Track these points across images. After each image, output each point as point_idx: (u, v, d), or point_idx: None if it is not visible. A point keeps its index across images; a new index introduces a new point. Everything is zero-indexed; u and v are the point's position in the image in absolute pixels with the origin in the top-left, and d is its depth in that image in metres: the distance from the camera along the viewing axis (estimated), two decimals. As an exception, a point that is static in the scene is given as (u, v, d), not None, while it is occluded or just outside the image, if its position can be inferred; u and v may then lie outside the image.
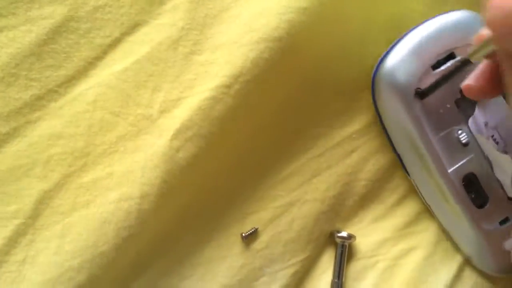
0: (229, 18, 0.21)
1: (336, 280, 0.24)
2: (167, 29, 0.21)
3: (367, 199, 0.25)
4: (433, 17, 0.22)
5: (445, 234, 0.25)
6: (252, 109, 0.22)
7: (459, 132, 0.22)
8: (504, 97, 0.20)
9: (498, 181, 0.23)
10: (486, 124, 0.22)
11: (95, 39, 0.20)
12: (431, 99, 0.22)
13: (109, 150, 0.20)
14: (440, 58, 0.22)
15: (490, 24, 0.14)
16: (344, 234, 0.24)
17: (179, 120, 0.20)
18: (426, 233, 0.25)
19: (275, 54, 0.20)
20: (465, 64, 0.20)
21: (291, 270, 0.23)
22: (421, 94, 0.22)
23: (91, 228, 0.19)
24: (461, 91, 0.22)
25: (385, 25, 0.23)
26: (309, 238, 0.24)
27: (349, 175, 0.24)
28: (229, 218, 0.23)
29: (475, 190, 0.23)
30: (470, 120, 0.22)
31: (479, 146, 0.22)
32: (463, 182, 0.22)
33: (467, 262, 0.25)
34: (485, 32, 0.15)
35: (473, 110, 0.22)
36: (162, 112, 0.21)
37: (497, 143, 0.21)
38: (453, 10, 0.23)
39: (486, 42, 0.15)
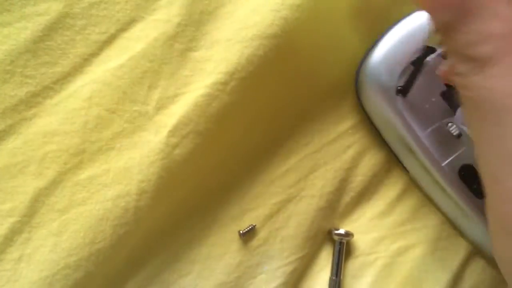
0: (224, 14, 0.22)
1: (334, 278, 0.24)
2: (162, 25, 0.21)
3: (365, 195, 0.25)
4: (410, 14, 0.23)
5: (450, 224, 0.25)
6: (248, 106, 0.22)
7: (449, 124, 0.22)
8: None
9: None
10: None
11: (90, 35, 0.21)
12: (415, 95, 0.22)
13: (105, 147, 0.21)
14: (419, 54, 0.22)
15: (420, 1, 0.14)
16: (341, 231, 0.24)
17: (175, 116, 0.21)
18: (426, 230, 0.25)
19: (269, 51, 0.21)
20: (432, 52, 0.21)
21: (289, 268, 0.24)
22: (402, 91, 0.22)
23: (88, 225, 0.20)
24: (446, 83, 0.22)
25: (377, 19, 0.24)
26: (307, 235, 0.24)
27: (346, 170, 0.25)
28: (226, 215, 0.23)
29: (477, 181, 0.23)
30: (458, 111, 0.23)
31: None
32: (462, 173, 0.23)
33: (468, 259, 0.25)
34: None
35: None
36: (159, 108, 0.21)
37: None
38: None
39: None
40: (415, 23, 0.23)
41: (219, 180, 0.23)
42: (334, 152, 0.24)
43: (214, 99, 0.21)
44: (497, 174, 0.15)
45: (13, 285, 0.19)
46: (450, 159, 0.22)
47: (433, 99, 0.22)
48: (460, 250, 0.25)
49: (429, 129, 0.22)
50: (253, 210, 0.24)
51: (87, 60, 0.21)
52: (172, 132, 0.21)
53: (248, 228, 0.23)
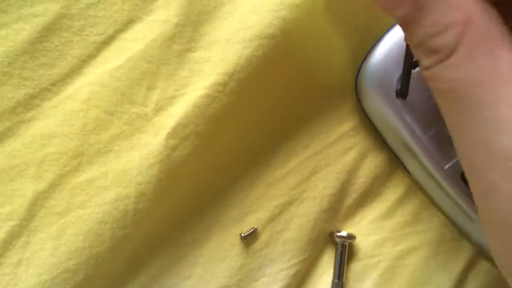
0: (223, 15, 0.22)
1: (336, 281, 0.24)
2: (160, 26, 0.21)
3: (367, 197, 0.25)
4: None
5: (453, 226, 0.25)
6: (248, 107, 0.23)
7: None
8: None
9: None
10: None
11: (88, 36, 0.21)
12: (416, 97, 0.22)
13: (104, 150, 0.21)
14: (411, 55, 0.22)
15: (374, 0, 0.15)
16: (343, 233, 0.24)
17: (174, 118, 0.21)
18: (428, 232, 0.25)
19: (268, 51, 0.21)
20: None
21: (292, 271, 0.24)
22: (400, 94, 0.22)
23: (87, 229, 0.20)
24: None
25: (377, 20, 0.24)
26: (309, 238, 0.24)
27: (347, 172, 0.25)
28: (227, 217, 0.24)
29: None
30: None
31: None
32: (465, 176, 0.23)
33: (472, 261, 0.25)
34: None
35: None
36: (157, 110, 0.21)
37: None
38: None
39: None
40: None
41: (219, 182, 0.24)
42: (335, 154, 0.25)
43: (213, 100, 0.21)
44: (475, 166, 0.15)
45: (12, 290, 0.19)
46: (452, 162, 0.22)
47: (434, 101, 0.22)
48: (463, 253, 0.25)
49: (431, 132, 0.22)
50: (254, 213, 0.24)
51: (85, 61, 0.21)
52: (171, 134, 0.21)
53: (250, 231, 0.23)
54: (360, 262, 0.25)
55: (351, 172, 0.25)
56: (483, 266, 0.25)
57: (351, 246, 0.25)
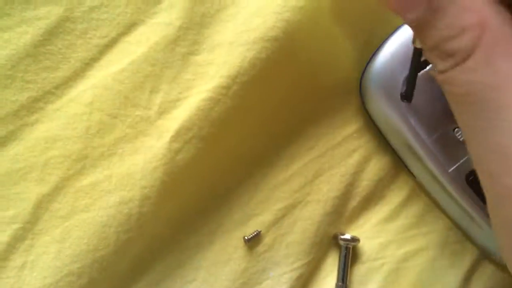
0: (226, 17, 0.22)
1: (340, 284, 0.24)
2: (163, 29, 0.21)
3: (371, 200, 0.25)
4: None
5: (457, 229, 0.25)
6: (251, 110, 0.23)
7: (456, 130, 0.22)
8: None
9: None
10: None
11: (91, 39, 0.21)
12: (421, 100, 0.23)
13: (108, 153, 0.21)
14: (423, 58, 0.22)
15: (384, 2, 0.15)
16: (347, 236, 0.24)
17: (178, 121, 0.21)
18: (432, 235, 0.25)
19: (272, 54, 0.21)
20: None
21: (295, 274, 0.24)
22: (405, 97, 0.22)
23: (91, 232, 0.20)
24: None
25: (382, 22, 0.24)
26: (313, 241, 0.24)
27: (351, 175, 0.25)
28: (231, 220, 0.24)
29: None
30: None
31: None
32: (470, 178, 0.23)
33: (476, 264, 0.25)
34: None
35: None
36: (161, 113, 0.21)
37: None
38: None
39: None
40: None
41: (223, 185, 0.24)
42: (339, 156, 0.25)
43: (216, 103, 0.21)
44: (491, 170, 0.15)
45: (17, 292, 0.20)
46: (457, 164, 0.23)
47: (438, 105, 0.23)
48: (467, 255, 0.25)
49: (436, 135, 0.23)
50: (258, 216, 0.24)
51: (88, 64, 0.21)
52: (175, 137, 0.21)
53: (253, 234, 0.24)
54: (364, 265, 0.25)
55: (355, 175, 0.25)
56: (487, 269, 0.25)
57: (355, 249, 0.25)
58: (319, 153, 0.25)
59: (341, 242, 0.24)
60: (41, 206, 0.20)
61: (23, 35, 0.20)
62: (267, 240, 0.24)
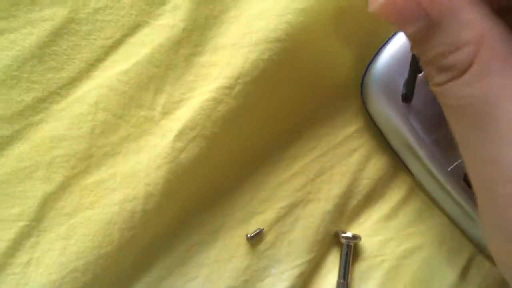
0: (229, 19, 0.22)
1: (341, 281, 0.25)
2: (167, 30, 0.22)
3: (371, 198, 0.26)
4: None
5: (454, 227, 0.26)
6: (254, 110, 0.23)
7: None
8: None
9: None
10: None
11: (96, 41, 0.21)
12: (420, 101, 0.23)
13: (112, 152, 0.22)
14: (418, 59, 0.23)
15: (383, 15, 0.15)
16: (349, 234, 0.25)
17: (181, 121, 0.22)
18: (430, 232, 0.26)
19: (274, 55, 0.22)
20: None
21: (297, 271, 0.24)
22: (405, 98, 0.23)
23: (96, 229, 0.21)
24: None
25: (383, 23, 0.24)
26: (314, 239, 0.25)
27: (352, 174, 0.25)
28: (234, 219, 0.24)
29: None
30: None
31: None
32: (468, 178, 0.23)
33: (473, 259, 0.26)
34: None
35: None
36: (165, 113, 0.22)
37: None
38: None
39: None
40: None
41: (226, 184, 0.24)
42: (341, 155, 0.25)
43: (219, 103, 0.22)
44: (484, 179, 0.16)
45: (22, 289, 0.20)
46: (455, 164, 0.23)
47: (439, 106, 0.23)
48: (464, 252, 0.26)
49: (435, 135, 0.23)
50: (261, 214, 0.24)
51: (92, 65, 0.21)
52: (178, 136, 0.21)
53: (256, 232, 0.24)
54: (364, 262, 0.25)
55: (356, 174, 0.25)
56: (483, 265, 0.26)
57: (355, 247, 0.25)
58: (320, 153, 0.25)
59: (343, 240, 0.25)
60: (46, 204, 0.21)
61: (29, 36, 0.20)
62: (269, 238, 0.24)
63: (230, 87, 0.22)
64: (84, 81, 0.21)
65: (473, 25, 0.14)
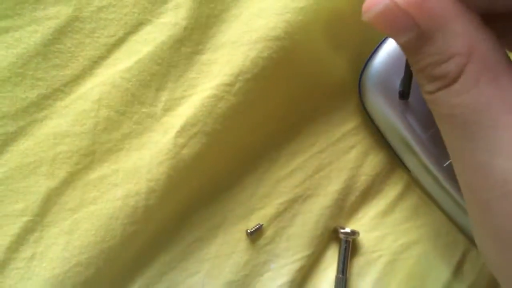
0: (230, 18, 0.23)
1: (340, 276, 0.25)
2: (170, 28, 0.22)
3: (368, 194, 0.27)
4: None
5: (449, 221, 0.27)
6: (254, 107, 0.24)
7: None
8: None
9: None
10: None
11: (99, 38, 0.22)
12: (418, 97, 0.24)
13: (115, 148, 0.22)
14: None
15: (376, 23, 0.15)
16: (348, 230, 0.25)
17: (183, 118, 0.22)
18: (426, 227, 0.27)
19: (273, 53, 0.22)
20: None
21: (296, 266, 0.25)
22: (402, 95, 0.23)
23: (99, 224, 0.21)
24: None
25: None
26: (313, 234, 0.25)
27: (350, 170, 0.26)
28: (234, 214, 0.25)
29: None
30: None
31: None
32: None
33: (467, 253, 0.27)
34: None
35: None
36: (166, 110, 0.22)
37: None
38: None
39: None
40: None
41: (227, 180, 0.25)
42: (339, 152, 0.26)
43: (220, 100, 0.22)
44: (472, 185, 0.16)
45: (26, 283, 0.20)
46: (450, 160, 0.24)
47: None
48: (459, 246, 0.26)
49: (431, 131, 0.24)
50: (260, 210, 0.25)
51: (96, 62, 0.22)
52: (180, 133, 0.22)
53: (256, 227, 0.25)
54: (362, 257, 0.26)
55: (353, 170, 0.26)
56: (477, 259, 0.27)
57: (353, 242, 0.26)
58: (319, 149, 0.26)
59: (341, 236, 0.25)
60: (50, 199, 0.21)
61: (34, 34, 0.21)
62: (268, 233, 0.25)
63: (231, 84, 0.22)
64: (88, 78, 0.22)
65: (462, 35, 0.15)
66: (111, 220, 0.21)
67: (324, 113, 0.26)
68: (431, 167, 0.24)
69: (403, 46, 0.16)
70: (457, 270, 0.26)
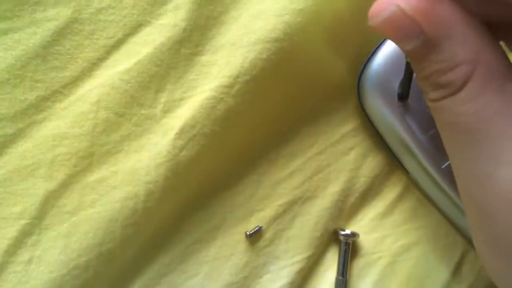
0: (229, 19, 0.23)
1: (340, 278, 0.25)
2: (169, 30, 0.22)
3: (368, 196, 0.27)
4: None
5: (448, 223, 0.27)
6: (253, 108, 0.24)
7: None
8: None
9: None
10: None
11: (98, 40, 0.22)
12: (415, 99, 0.24)
13: (114, 150, 0.22)
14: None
15: (382, 29, 0.15)
16: (347, 232, 0.25)
17: (182, 119, 0.22)
18: (425, 228, 0.27)
19: (272, 54, 0.22)
20: None
21: (295, 268, 0.25)
22: (401, 97, 0.24)
23: (97, 227, 0.21)
24: None
25: None
26: (312, 236, 0.25)
27: (349, 171, 0.26)
28: (233, 216, 0.25)
29: None
30: None
31: None
32: None
33: (466, 254, 0.27)
34: None
35: None
36: (165, 112, 0.23)
37: None
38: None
39: None
40: None
41: (226, 181, 0.25)
42: (338, 153, 0.26)
43: (219, 102, 0.22)
44: (472, 193, 0.16)
45: (24, 287, 0.20)
46: (449, 162, 0.24)
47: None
48: (458, 247, 0.27)
49: (430, 133, 0.24)
50: (260, 212, 0.25)
51: (95, 64, 0.22)
52: (179, 135, 0.22)
53: (255, 229, 0.25)
54: (362, 258, 0.26)
55: (352, 172, 0.26)
56: (476, 260, 0.27)
57: (353, 243, 0.26)
58: (318, 151, 0.26)
59: (341, 238, 0.25)
60: (48, 202, 0.21)
61: (33, 36, 0.21)
62: (268, 235, 0.25)
63: (230, 86, 0.22)
64: (87, 80, 0.22)
65: (469, 43, 0.15)
66: (110, 222, 0.21)
67: (323, 115, 0.26)
68: (430, 168, 0.24)
69: (409, 53, 0.16)
70: (456, 271, 0.26)
